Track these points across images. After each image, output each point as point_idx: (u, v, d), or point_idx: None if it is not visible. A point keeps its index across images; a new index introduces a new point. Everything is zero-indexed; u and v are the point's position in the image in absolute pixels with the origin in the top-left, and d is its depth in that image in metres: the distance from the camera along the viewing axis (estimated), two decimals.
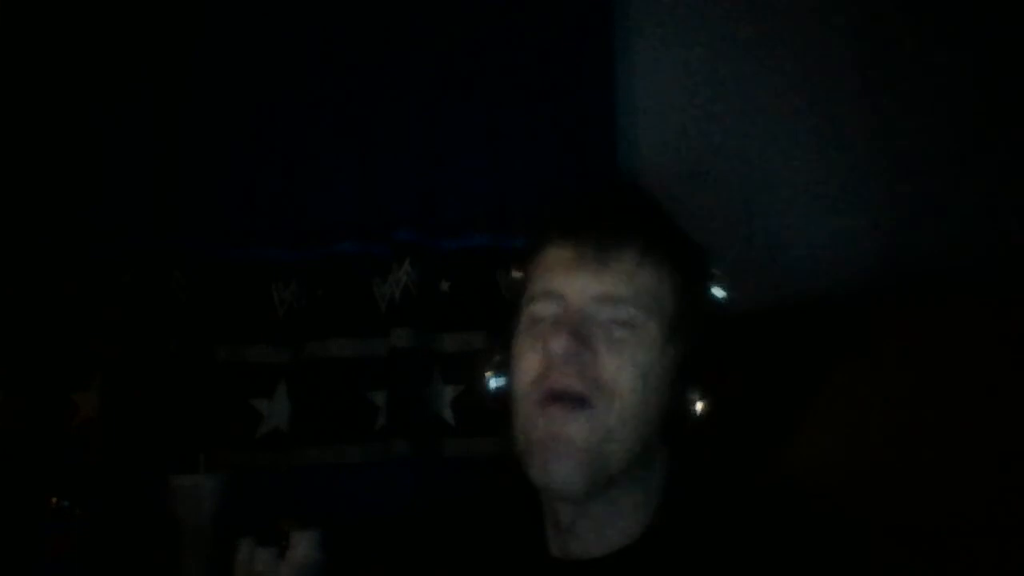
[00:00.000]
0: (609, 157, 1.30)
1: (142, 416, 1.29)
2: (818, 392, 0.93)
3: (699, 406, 0.79)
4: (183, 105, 1.35)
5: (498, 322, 0.90)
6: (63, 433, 1.30)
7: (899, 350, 0.91)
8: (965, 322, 0.88)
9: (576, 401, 0.76)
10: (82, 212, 1.34)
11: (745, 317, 0.99)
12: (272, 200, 1.34)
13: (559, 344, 0.76)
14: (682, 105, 1.32)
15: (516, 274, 0.87)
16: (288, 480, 1.28)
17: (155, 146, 1.34)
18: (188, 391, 1.31)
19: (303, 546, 1.07)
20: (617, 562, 0.79)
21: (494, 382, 0.85)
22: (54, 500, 1.14)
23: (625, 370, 0.76)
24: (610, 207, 0.84)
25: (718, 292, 0.83)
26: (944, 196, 1.24)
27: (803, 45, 1.30)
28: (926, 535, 0.81)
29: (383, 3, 1.33)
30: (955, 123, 1.25)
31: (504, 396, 0.83)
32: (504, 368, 0.83)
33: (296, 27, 1.35)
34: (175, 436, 1.29)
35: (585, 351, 0.76)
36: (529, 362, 0.79)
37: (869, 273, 1.24)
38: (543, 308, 0.80)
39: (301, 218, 1.34)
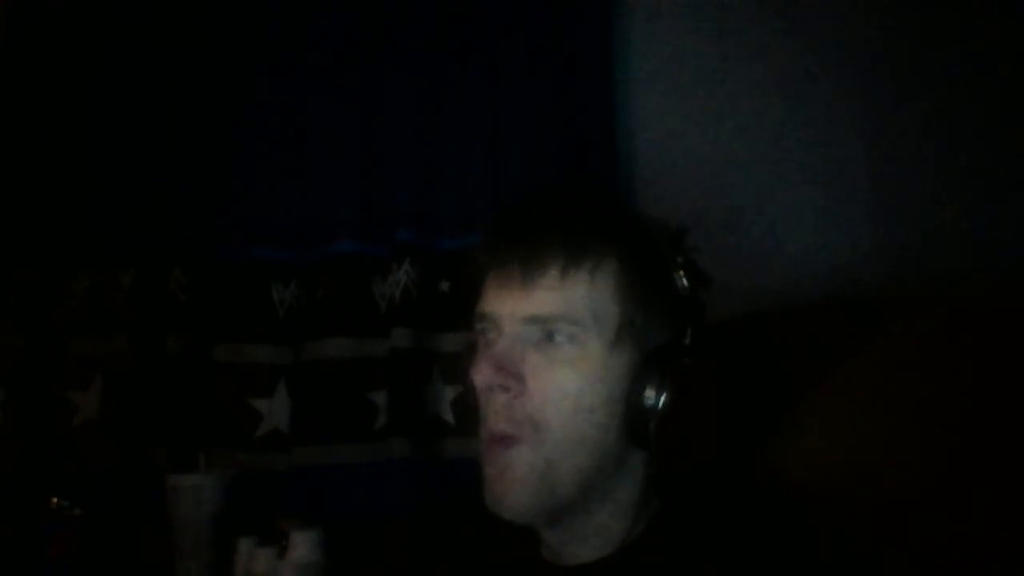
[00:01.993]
0: (609, 156, 1.30)
1: (142, 416, 1.29)
2: (811, 395, 0.93)
3: (661, 404, 0.76)
4: (182, 105, 1.35)
5: None
6: (63, 433, 1.30)
7: (893, 353, 0.91)
8: (959, 325, 0.88)
9: (510, 440, 0.76)
10: (82, 212, 1.34)
11: (738, 319, 0.99)
12: (272, 200, 1.34)
13: (479, 376, 0.76)
14: (681, 106, 1.32)
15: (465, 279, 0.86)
16: (288, 480, 1.28)
17: (155, 146, 1.34)
18: (188, 391, 1.31)
19: (303, 546, 1.07)
20: (606, 568, 0.79)
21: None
22: (54, 500, 1.14)
23: (551, 399, 0.75)
24: (529, 223, 0.80)
25: (683, 279, 0.79)
26: (940, 199, 1.24)
27: (800, 45, 1.30)
28: (922, 540, 0.81)
29: (383, 3, 1.33)
30: (953, 126, 1.25)
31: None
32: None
33: (295, 27, 1.35)
34: (175, 436, 1.29)
35: (509, 383, 0.76)
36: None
37: (864, 275, 1.24)
38: (483, 332, 0.80)
39: (301, 218, 1.34)
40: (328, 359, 1.30)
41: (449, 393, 1.29)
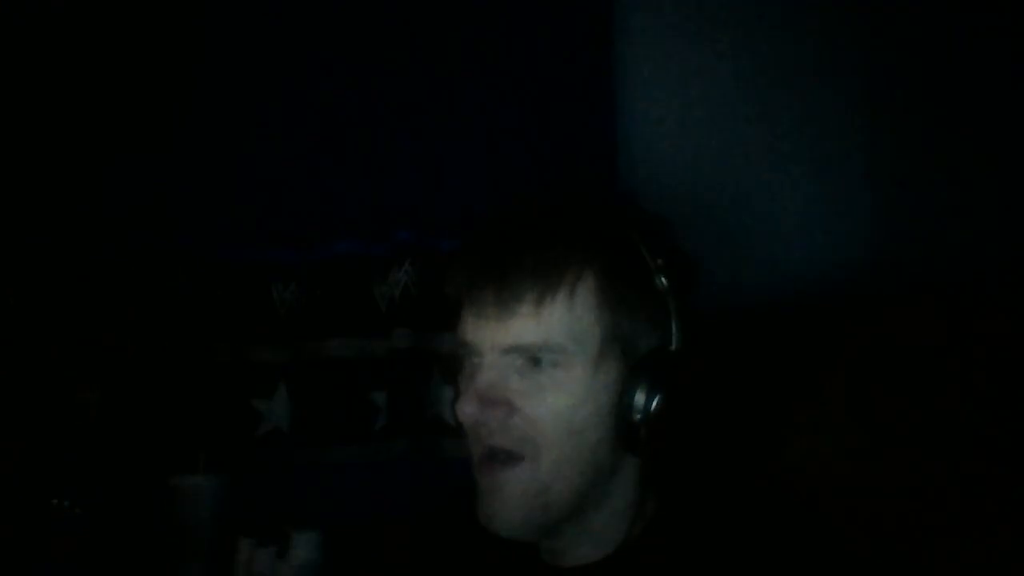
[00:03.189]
0: (609, 156, 1.30)
1: (142, 416, 1.29)
2: (807, 395, 0.93)
3: (653, 408, 0.75)
4: (183, 105, 1.34)
5: None
6: (63, 433, 1.30)
7: (891, 352, 0.91)
8: (957, 324, 0.88)
9: (508, 457, 0.76)
10: (83, 212, 1.34)
11: (734, 318, 0.99)
12: (272, 200, 1.34)
13: (463, 413, 0.76)
14: (681, 108, 1.32)
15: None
16: (288, 480, 1.28)
17: (155, 146, 1.34)
18: (188, 391, 1.31)
19: (303, 547, 1.07)
20: (604, 569, 0.79)
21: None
22: (54, 500, 1.14)
23: (544, 421, 0.75)
24: (500, 252, 0.78)
25: (663, 281, 0.77)
26: (940, 198, 1.24)
27: (798, 51, 1.30)
28: (921, 539, 0.81)
29: (384, 4, 1.33)
30: (953, 124, 1.25)
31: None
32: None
33: (296, 27, 1.34)
34: (175, 436, 1.29)
35: (497, 411, 0.75)
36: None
37: (863, 274, 1.24)
38: (465, 358, 0.80)
39: (301, 218, 1.34)
40: (328, 359, 1.30)
41: (449, 393, 1.29)
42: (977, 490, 0.80)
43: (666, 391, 0.75)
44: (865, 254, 1.25)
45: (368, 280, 1.32)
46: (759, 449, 0.94)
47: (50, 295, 1.33)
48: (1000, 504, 0.78)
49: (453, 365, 0.84)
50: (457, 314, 0.81)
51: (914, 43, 1.27)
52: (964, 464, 0.81)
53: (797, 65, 1.30)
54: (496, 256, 0.78)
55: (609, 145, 1.30)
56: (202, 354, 1.31)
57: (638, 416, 0.75)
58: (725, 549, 0.76)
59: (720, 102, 1.31)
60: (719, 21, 1.32)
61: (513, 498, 0.76)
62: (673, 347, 0.77)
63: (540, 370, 0.75)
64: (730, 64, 1.31)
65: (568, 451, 0.75)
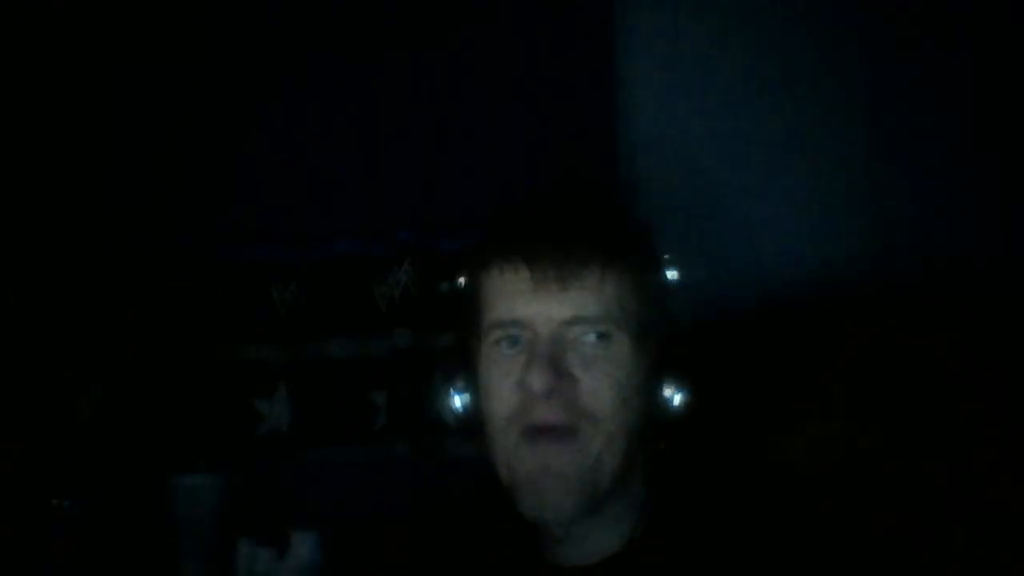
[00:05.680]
0: (609, 156, 1.30)
1: (142, 416, 1.29)
2: (801, 397, 0.94)
3: (675, 405, 0.78)
4: (184, 105, 1.35)
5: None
6: (63, 433, 1.30)
7: (881, 355, 0.92)
8: (946, 327, 0.89)
9: (563, 432, 0.75)
10: (83, 212, 1.34)
11: (735, 321, 0.99)
12: (272, 200, 1.34)
13: (539, 381, 0.74)
14: (681, 105, 1.32)
15: (459, 282, 0.84)
16: (288, 480, 1.28)
17: (156, 146, 1.34)
18: (188, 391, 1.31)
19: (303, 546, 1.07)
20: (611, 567, 0.79)
21: (459, 403, 0.85)
22: (54, 500, 1.14)
23: (604, 392, 0.76)
24: (564, 224, 0.79)
25: (672, 277, 0.82)
26: (937, 202, 1.25)
27: (798, 50, 1.30)
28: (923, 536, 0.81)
29: (385, 4, 1.33)
30: (953, 124, 1.25)
31: (471, 419, 0.83)
32: (468, 390, 0.84)
33: (297, 27, 1.35)
34: (175, 436, 1.29)
35: (563, 383, 0.75)
36: (503, 394, 0.78)
37: (862, 274, 1.24)
38: (509, 338, 0.79)
39: (301, 218, 1.34)
40: (328, 359, 1.30)
41: (449, 392, 1.28)
42: (977, 490, 0.80)
43: (689, 384, 0.79)
44: (865, 254, 1.25)
45: (368, 280, 1.32)
46: (759, 448, 0.94)
47: (50, 295, 1.33)
48: (1000, 504, 0.78)
49: (464, 354, 0.84)
50: (472, 302, 0.81)
51: (913, 43, 1.27)
52: (964, 464, 0.82)
53: (797, 64, 1.30)
54: (561, 231, 0.78)
55: (609, 146, 1.30)
56: (202, 354, 1.31)
57: (666, 400, 0.78)
58: (725, 552, 0.76)
59: (721, 102, 1.31)
60: (719, 20, 1.32)
61: (569, 475, 0.75)
62: (686, 343, 0.80)
63: (594, 343, 0.77)
64: (731, 63, 1.31)
65: (619, 424, 0.76)
